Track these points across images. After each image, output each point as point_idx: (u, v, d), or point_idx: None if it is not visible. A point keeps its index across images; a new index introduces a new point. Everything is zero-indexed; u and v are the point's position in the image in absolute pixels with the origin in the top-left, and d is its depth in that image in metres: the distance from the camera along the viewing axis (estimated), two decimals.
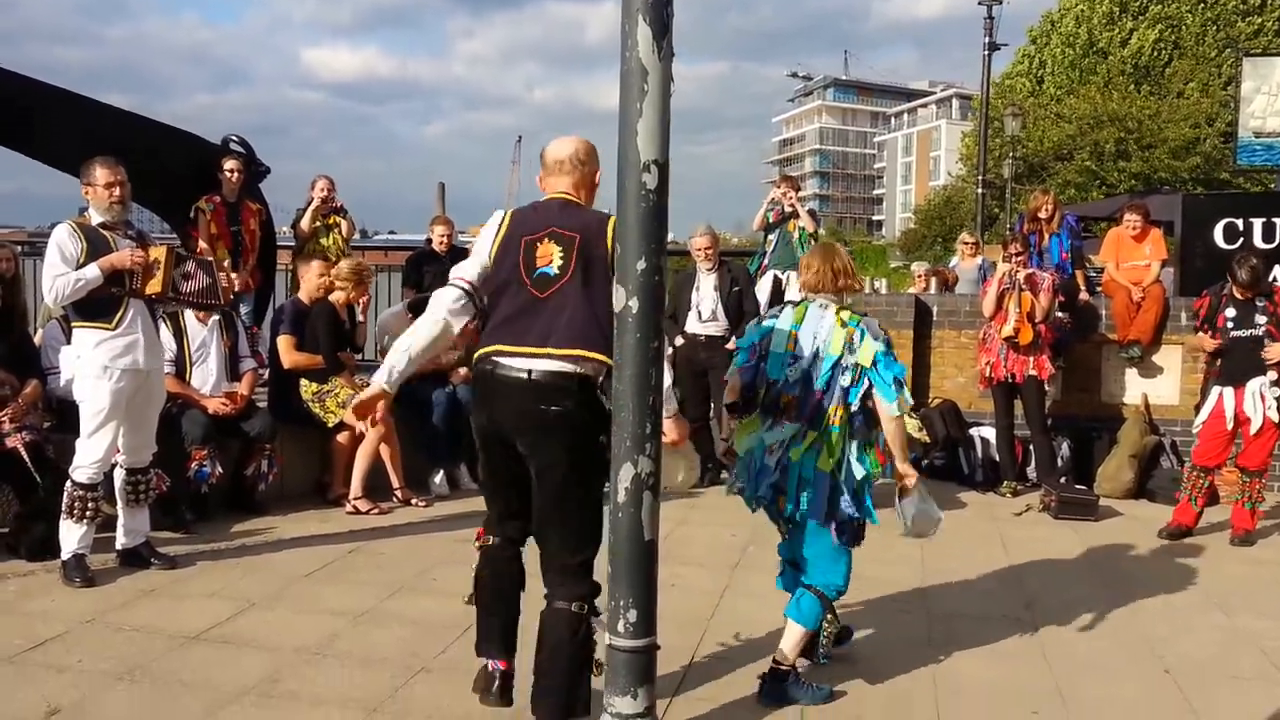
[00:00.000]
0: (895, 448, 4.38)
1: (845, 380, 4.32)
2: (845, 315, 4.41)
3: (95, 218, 5.55)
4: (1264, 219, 9.89)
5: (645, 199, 2.43)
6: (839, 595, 4.53)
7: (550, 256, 3.73)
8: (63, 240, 5.41)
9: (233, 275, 6.17)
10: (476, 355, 3.80)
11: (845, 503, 4.36)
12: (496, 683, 3.99)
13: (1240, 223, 9.89)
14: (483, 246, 3.87)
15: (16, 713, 4.02)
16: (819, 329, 4.41)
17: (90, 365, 5.46)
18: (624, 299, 2.50)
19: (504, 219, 3.88)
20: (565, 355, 3.63)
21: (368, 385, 4.01)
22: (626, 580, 2.57)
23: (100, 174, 5.49)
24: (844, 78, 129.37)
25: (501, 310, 3.78)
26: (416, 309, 6.28)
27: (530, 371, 3.64)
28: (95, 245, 5.44)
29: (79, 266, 5.37)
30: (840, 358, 4.33)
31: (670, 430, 3.66)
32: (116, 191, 5.53)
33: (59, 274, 5.34)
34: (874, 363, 4.30)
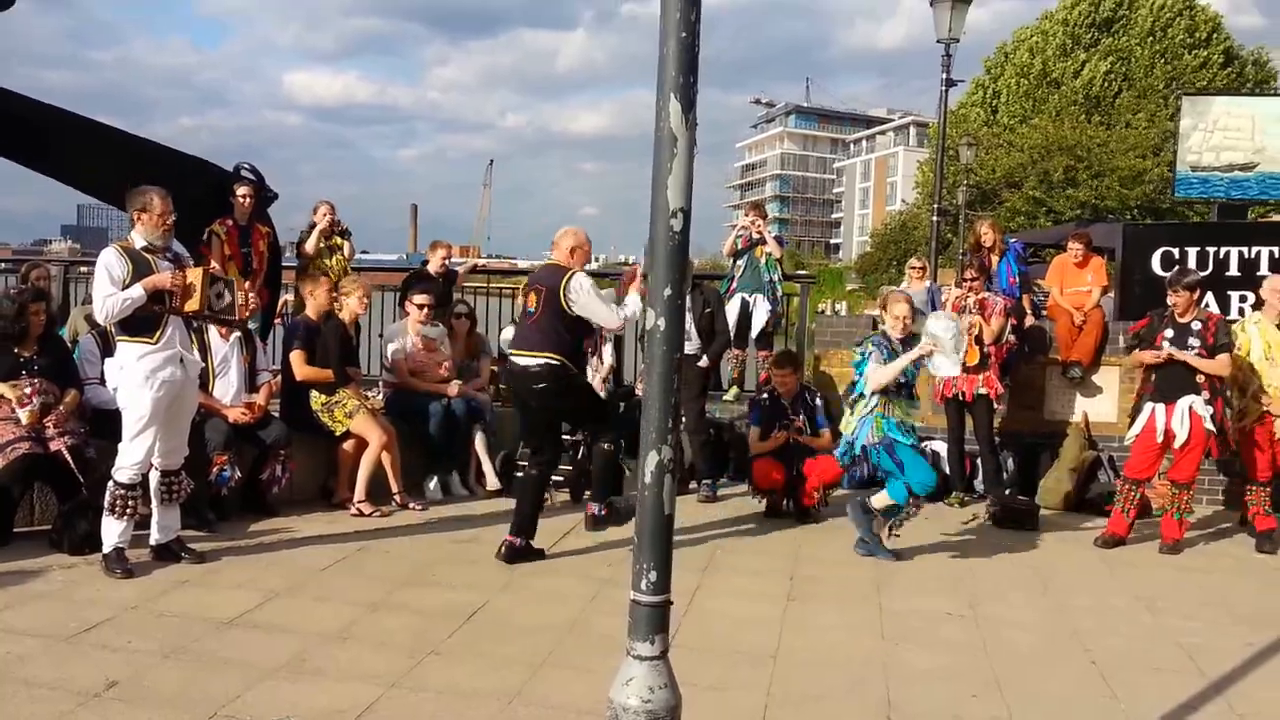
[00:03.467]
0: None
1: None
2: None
3: (138, 241, 5.94)
4: (1198, 248, 10.24)
5: (673, 239, 2.96)
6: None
7: (532, 302, 6.70)
8: (111, 262, 5.82)
9: (250, 296, 6.57)
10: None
11: None
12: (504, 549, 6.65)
13: (1176, 251, 10.24)
14: None
15: (80, 684, 4.42)
16: None
17: (133, 376, 5.85)
18: (654, 319, 2.99)
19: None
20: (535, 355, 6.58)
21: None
22: (649, 547, 3.03)
23: (158, 204, 5.92)
24: (806, 105, 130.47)
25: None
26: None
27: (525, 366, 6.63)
28: (139, 267, 5.85)
29: (125, 287, 5.77)
30: None
31: None
32: (170, 220, 5.96)
33: (108, 294, 5.74)
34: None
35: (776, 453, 8.14)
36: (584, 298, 6.53)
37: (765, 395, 8.42)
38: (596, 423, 7.13)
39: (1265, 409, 7.70)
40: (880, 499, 7.06)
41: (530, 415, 6.95)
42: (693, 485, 8.78)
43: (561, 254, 6.80)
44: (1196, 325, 7.62)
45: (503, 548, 6.68)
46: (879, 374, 6.87)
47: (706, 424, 9.06)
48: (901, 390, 7.03)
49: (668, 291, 2.97)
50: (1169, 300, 7.72)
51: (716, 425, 9.53)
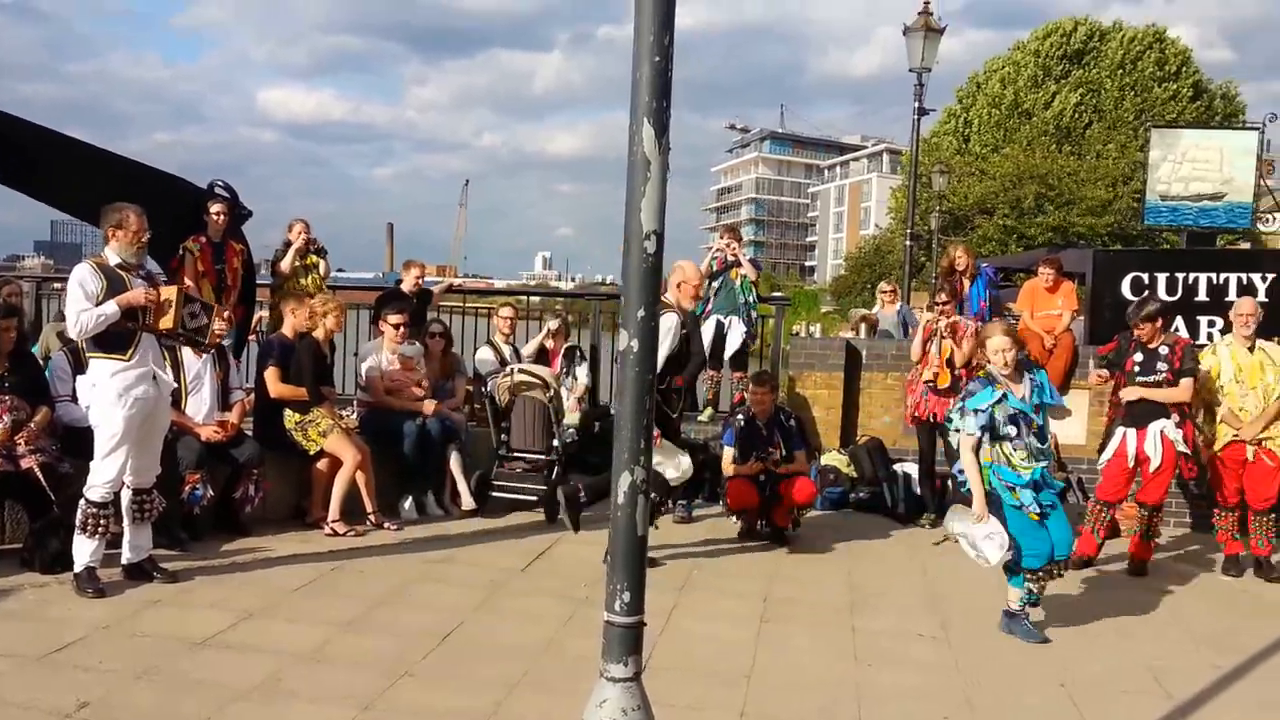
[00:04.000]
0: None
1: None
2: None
3: (112, 258, 5.90)
4: (1167, 273, 10.37)
5: (646, 261, 2.96)
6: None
7: None
8: (85, 278, 5.75)
9: (223, 321, 6.55)
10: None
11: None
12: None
13: (1146, 277, 10.36)
14: None
15: (53, 705, 4.38)
16: None
17: (106, 393, 5.79)
18: (627, 340, 2.99)
19: None
20: None
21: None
22: (623, 567, 3.03)
23: (135, 221, 5.90)
24: (780, 131, 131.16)
25: None
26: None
27: None
28: (113, 283, 5.79)
29: (99, 303, 5.72)
30: None
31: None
32: (144, 237, 5.94)
33: (82, 309, 5.68)
34: None
35: (751, 474, 8.14)
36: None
37: (741, 417, 8.41)
38: None
39: (1235, 433, 7.74)
40: (1012, 595, 6.17)
41: None
42: (669, 505, 8.76)
43: (670, 289, 7.18)
44: (1164, 350, 7.67)
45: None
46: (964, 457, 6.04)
47: (682, 445, 9.04)
48: (1019, 431, 5.96)
49: (641, 313, 2.97)
50: (1134, 332, 7.78)
51: (692, 446, 9.51)
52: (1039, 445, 6.00)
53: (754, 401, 8.34)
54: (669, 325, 6.95)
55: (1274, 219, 13.99)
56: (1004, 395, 5.93)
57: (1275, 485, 7.69)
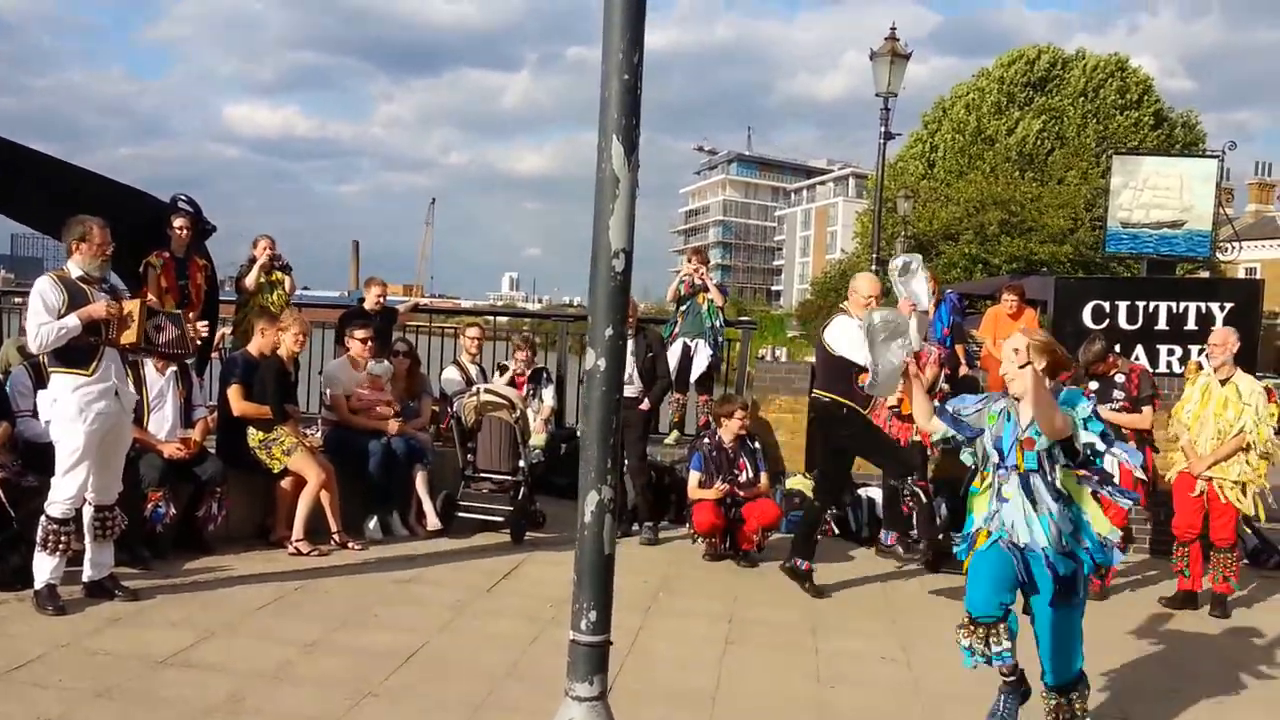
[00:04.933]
0: None
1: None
2: None
3: (74, 271, 5.85)
4: (1128, 302, 10.57)
5: (614, 279, 2.98)
6: None
7: None
8: (45, 291, 5.71)
9: (200, 326, 6.53)
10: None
11: None
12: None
13: (1107, 305, 10.54)
14: None
15: None
16: None
17: (67, 408, 5.74)
18: (594, 359, 3.01)
19: None
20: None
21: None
22: (589, 586, 3.04)
23: (98, 234, 5.85)
24: (747, 153, 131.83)
25: None
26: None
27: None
28: (75, 297, 5.75)
29: (60, 316, 5.67)
30: None
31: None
32: (108, 250, 5.91)
33: (43, 322, 5.63)
34: None
35: (717, 497, 8.17)
36: (838, 340, 7.32)
37: (708, 443, 8.43)
38: (881, 459, 7.86)
39: (1185, 466, 7.73)
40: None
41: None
42: (635, 528, 8.81)
43: (850, 300, 7.47)
44: (1120, 378, 7.78)
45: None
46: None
47: (648, 467, 9.10)
48: (1000, 460, 4.73)
49: (608, 331, 3.00)
50: (1086, 355, 7.83)
51: (657, 468, 9.57)
52: (1025, 498, 4.64)
53: (727, 427, 8.34)
54: (851, 327, 7.12)
55: (1232, 248, 14.14)
56: (1005, 413, 4.74)
57: (1233, 525, 7.70)
